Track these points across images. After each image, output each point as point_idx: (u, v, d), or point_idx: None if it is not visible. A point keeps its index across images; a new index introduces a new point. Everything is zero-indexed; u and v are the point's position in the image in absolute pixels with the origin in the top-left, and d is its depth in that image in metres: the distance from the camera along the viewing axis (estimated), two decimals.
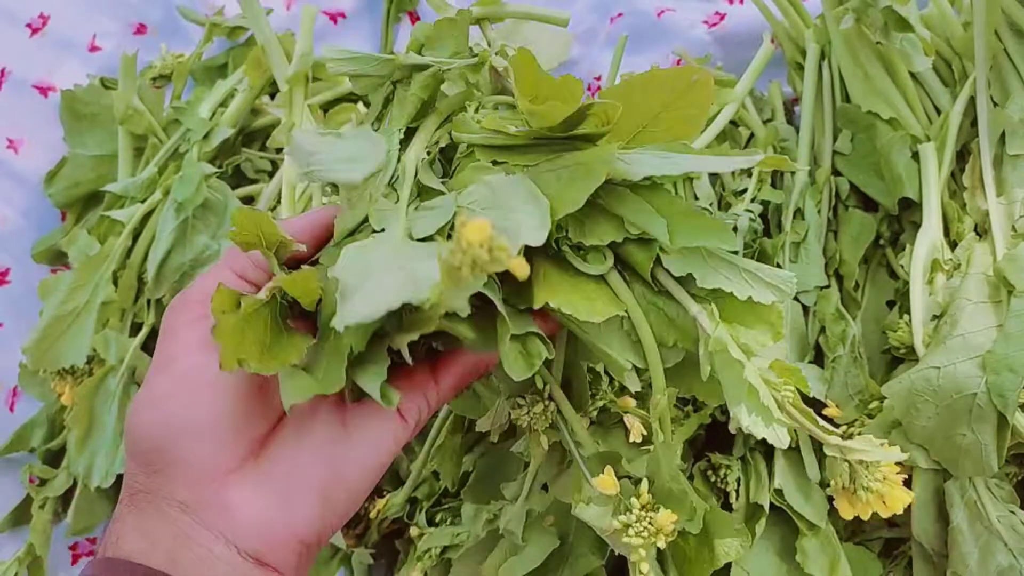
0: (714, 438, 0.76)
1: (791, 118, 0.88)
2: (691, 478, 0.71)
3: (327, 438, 0.46)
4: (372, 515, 0.81)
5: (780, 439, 0.44)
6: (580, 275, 0.46)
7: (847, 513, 0.50)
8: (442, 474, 0.74)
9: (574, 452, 0.53)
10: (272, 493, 0.44)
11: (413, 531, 0.76)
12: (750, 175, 0.81)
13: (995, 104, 0.73)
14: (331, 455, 0.45)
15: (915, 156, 0.75)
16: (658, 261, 0.46)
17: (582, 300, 0.44)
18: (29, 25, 1.01)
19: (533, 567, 0.60)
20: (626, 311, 0.45)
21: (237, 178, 0.93)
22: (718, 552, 0.52)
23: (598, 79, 0.96)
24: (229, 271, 0.47)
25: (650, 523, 0.47)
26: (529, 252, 0.43)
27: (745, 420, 0.43)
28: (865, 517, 0.50)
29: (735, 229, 0.74)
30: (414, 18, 1.02)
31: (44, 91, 1.00)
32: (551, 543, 0.61)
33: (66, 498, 0.88)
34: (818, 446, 0.73)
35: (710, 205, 0.79)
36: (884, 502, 0.49)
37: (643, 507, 0.48)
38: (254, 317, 0.42)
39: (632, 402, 0.69)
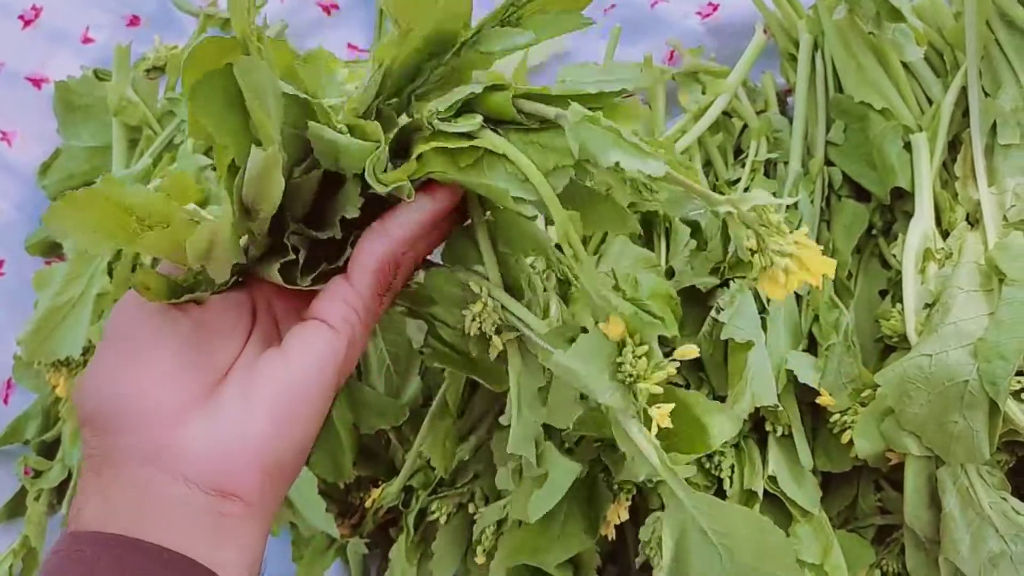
0: None
1: (784, 109, 0.89)
2: None
3: (272, 364, 0.47)
4: (367, 504, 0.82)
5: (656, 168, 0.44)
6: (459, 142, 0.48)
7: (776, 292, 0.47)
8: (433, 460, 0.74)
9: (532, 338, 0.53)
10: (222, 423, 0.45)
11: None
12: (743, 165, 0.82)
13: (986, 94, 0.74)
14: (279, 379, 0.46)
15: (907, 146, 0.75)
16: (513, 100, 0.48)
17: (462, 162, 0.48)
18: (22, 17, 1.01)
19: (561, 496, 0.60)
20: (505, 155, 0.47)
21: None
22: (712, 434, 0.52)
23: None
24: None
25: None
26: (407, 133, 0.48)
27: (615, 158, 0.44)
28: (791, 289, 0.46)
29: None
30: None
31: (37, 83, 1.00)
32: (572, 469, 0.60)
33: (61, 489, 0.89)
34: (811, 433, 0.74)
35: None
36: (807, 268, 0.46)
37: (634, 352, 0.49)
38: None
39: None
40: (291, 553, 0.88)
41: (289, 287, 0.50)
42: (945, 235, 0.72)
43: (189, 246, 0.44)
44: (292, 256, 0.49)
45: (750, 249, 0.47)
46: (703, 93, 0.86)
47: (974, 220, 0.71)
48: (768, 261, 0.46)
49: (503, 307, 0.54)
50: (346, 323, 0.49)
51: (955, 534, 0.64)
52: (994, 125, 0.72)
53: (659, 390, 0.48)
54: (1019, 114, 0.71)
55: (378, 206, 0.49)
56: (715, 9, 0.95)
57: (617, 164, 0.44)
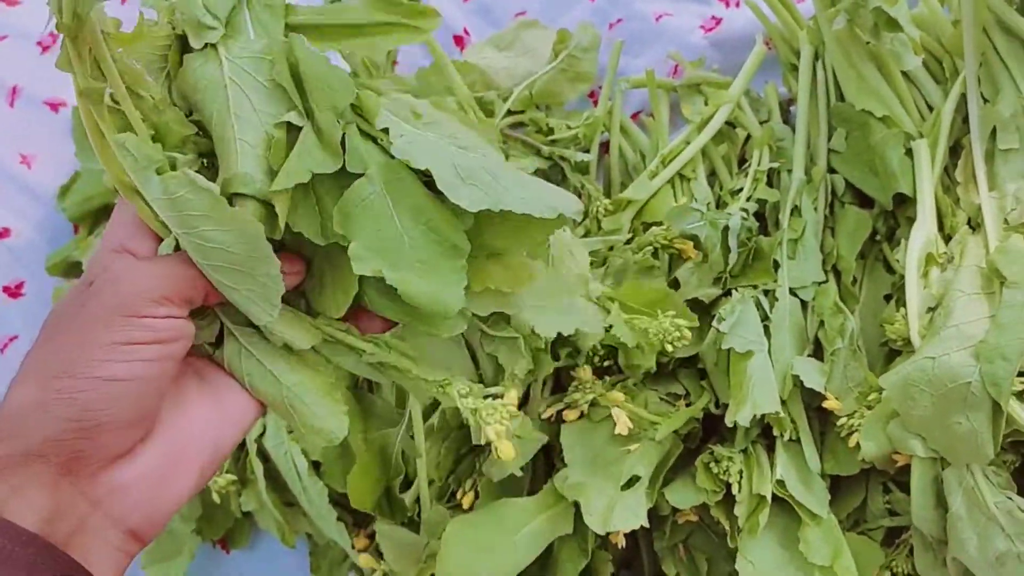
0: (712, 431, 0.77)
1: (787, 118, 0.90)
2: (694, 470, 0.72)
3: (207, 419, 0.49)
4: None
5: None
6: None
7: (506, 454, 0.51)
8: (429, 470, 0.76)
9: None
10: (158, 476, 0.47)
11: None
12: (746, 174, 0.83)
13: (985, 101, 0.75)
14: (212, 434, 0.49)
15: (908, 152, 0.76)
16: None
17: None
18: (40, 43, 1.03)
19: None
20: None
21: None
22: None
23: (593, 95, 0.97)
24: (202, 289, 0.48)
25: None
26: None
27: None
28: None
29: (727, 228, 0.76)
30: None
31: (55, 107, 1.02)
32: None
33: None
34: (819, 437, 0.74)
35: (707, 205, 0.80)
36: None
37: None
38: None
39: (620, 396, 0.70)
40: (309, 564, 0.89)
41: None
42: (947, 239, 0.73)
43: None
44: None
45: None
46: (706, 104, 0.87)
47: (975, 224, 0.72)
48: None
49: None
50: None
51: (962, 534, 0.64)
52: (994, 130, 0.73)
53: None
54: (1018, 119, 0.72)
55: None
56: (718, 23, 0.96)
57: None
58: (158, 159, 0.45)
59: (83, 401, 0.43)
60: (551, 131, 0.89)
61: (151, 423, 0.47)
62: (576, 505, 0.69)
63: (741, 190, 0.82)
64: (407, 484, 0.83)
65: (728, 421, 0.69)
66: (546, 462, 0.77)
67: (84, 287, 0.46)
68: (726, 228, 0.75)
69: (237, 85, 0.46)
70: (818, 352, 0.75)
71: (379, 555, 0.80)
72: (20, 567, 0.41)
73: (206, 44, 0.47)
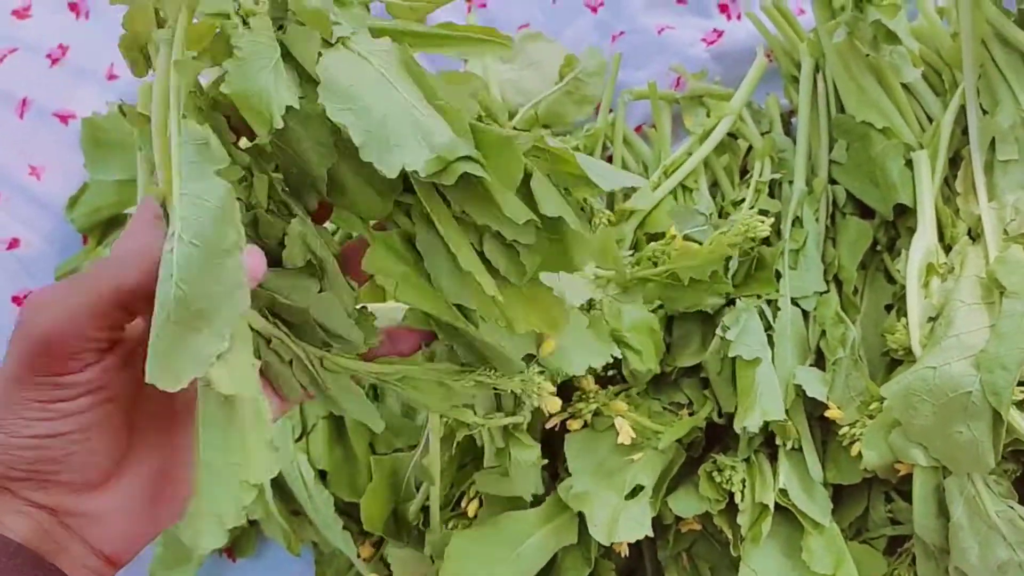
0: (715, 440, 0.78)
1: (788, 129, 0.90)
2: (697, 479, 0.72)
3: (183, 448, 0.46)
4: None
5: None
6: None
7: None
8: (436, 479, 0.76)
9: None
10: (137, 505, 0.45)
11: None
12: (748, 185, 0.84)
13: (985, 112, 0.75)
14: (188, 463, 0.46)
15: (909, 164, 0.77)
16: None
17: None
18: (49, 55, 1.04)
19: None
20: None
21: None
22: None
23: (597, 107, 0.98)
24: (118, 308, 0.42)
25: None
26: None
27: None
28: None
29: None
30: None
31: (64, 119, 1.03)
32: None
33: None
34: (821, 446, 0.75)
35: (709, 215, 0.81)
36: None
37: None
38: None
39: (623, 406, 0.71)
40: (314, 572, 0.90)
41: None
42: (947, 250, 0.73)
43: None
44: None
45: None
46: (708, 116, 0.88)
47: (975, 235, 0.73)
48: None
49: None
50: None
51: (964, 543, 0.65)
52: (993, 142, 0.74)
53: None
54: (1017, 131, 0.73)
55: None
56: (720, 35, 0.97)
57: None
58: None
59: (27, 456, 0.42)
60: None
61: (117, 453, 0.45)
62: (580, 515, 0.69)
63: (743, 201, 0.83)
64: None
65: (736, 427, 0.70)
66: (550, 471, 0.77)
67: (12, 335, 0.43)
68: None
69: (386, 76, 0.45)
70: (820, 362, 0.76)
71: (386, 567, 0.81)
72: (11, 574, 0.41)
73: (339, 38, 0.45)
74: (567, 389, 0.74)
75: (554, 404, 0.58)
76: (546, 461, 0.71)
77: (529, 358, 0.55)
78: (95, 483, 0.44)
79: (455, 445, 0.76)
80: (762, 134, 0.89)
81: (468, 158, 0.43)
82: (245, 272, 0.40)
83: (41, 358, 0.41)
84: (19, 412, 0.42)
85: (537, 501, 0.72)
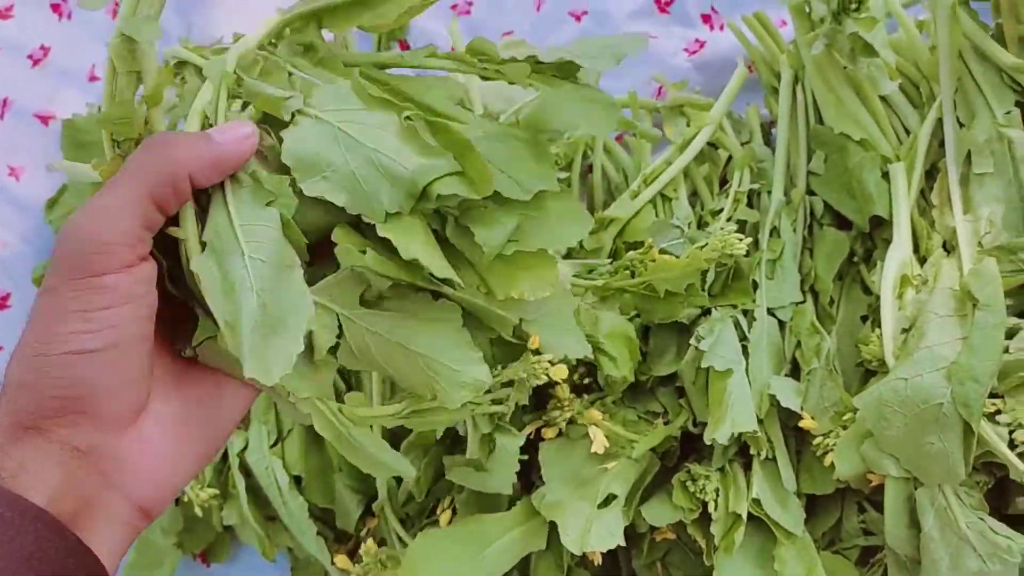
0: (690, 449, 0.78)
1: (768, 140, 0.91)
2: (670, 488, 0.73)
3: (207, 397, 0.49)
4: (363, 533, 0.83)
5: None
6: None
7: None
8: (410, 485, 0.76)
9: None
10: (161, 449, 0.46)
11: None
12: (727, 195, 0.84)
13: (961, 125, 0.76)
14: (210, 413, 0.49)
15: (885, 175, 0.77)
16: None
17: None
18: (30, 56, 1.04)
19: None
20: None
21: None
22: None
23: None
24: (149, 201, 0.44)
25: None
26: None
27: None
28: None
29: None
30: (403, 46, 1.05)
31: (45, 120, 1.03)
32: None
33: None
34: (795, 456, 0.75)
35: (688, 224, 0.81)
36: None
37: None
38: None
39: (598, 415, 0.71)
40: None
41: None
42: (923, 261, 0.74)
43: None
44: None
45: None
46: (688, 125, 0.88)
47: (950, 247, 0.73)
48: None
49: None
50: None
51: (935, 554, 0.65)
52: (969, 155, 0.74)
53: None
54: (992, 144, 0.73)
55: None
56: (702, 45, 0.97)
57: None
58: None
59: (63, 378, 0.43)
60: None
61: (146, 387, 0.46)
62: (550, 522, 0.69)
63: (722, 210, 0.83)
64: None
65: (707, 439, 0.70)
66: (524, 480, 0.77)
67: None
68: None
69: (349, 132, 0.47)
70: (795, 372, 0.76)
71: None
72: (28, 541, 0.40)
73: (293, 113, 0.47)
74: (542, 397, 0.74)
75: (561, 371, 0.59)
76: (519, 468, 0.71)
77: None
78: (125, 419, 0.45)
79: (430, 451, 0.76)
80: (742, 144, 0.89)
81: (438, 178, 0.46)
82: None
83: (79, 257, 0.42)
84: (56, 327, 0.42)
85: (508, 508, 0.72)
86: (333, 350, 0.49)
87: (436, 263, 0.46)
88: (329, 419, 0.50)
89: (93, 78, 1.05)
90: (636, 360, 0.73)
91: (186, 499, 0.83)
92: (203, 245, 0.45)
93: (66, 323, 0.42)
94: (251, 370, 0.43)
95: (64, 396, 0.43)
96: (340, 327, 0.48)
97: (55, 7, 1.05)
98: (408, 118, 0.46)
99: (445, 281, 0.48)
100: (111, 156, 0.48)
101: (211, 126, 0.47)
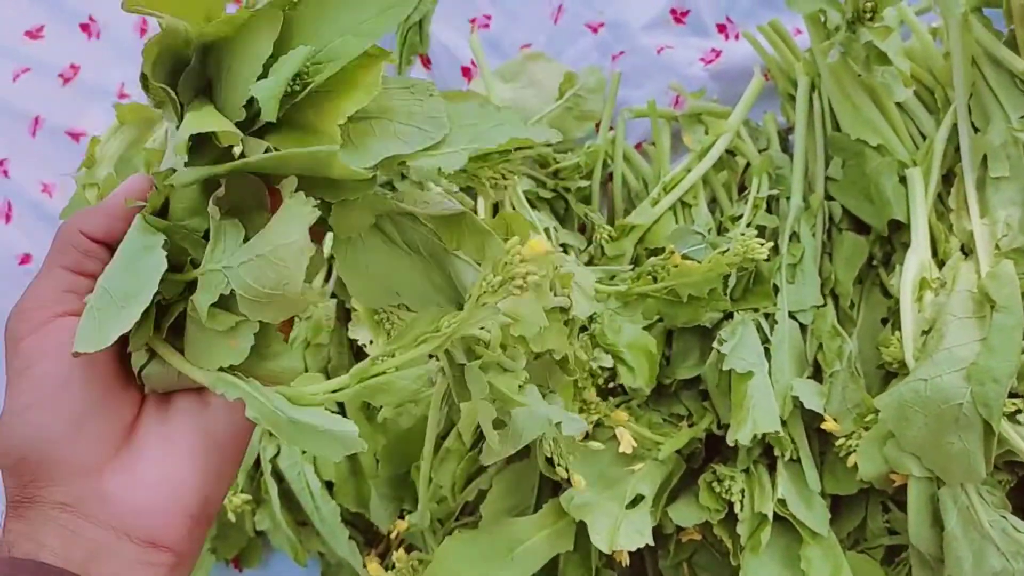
0: (715, 451, 0.79)
1: (785, 146, 0.92)
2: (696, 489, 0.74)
3: (189, 409, 0.47)
4: (392, 535, 0.84)
5: None
6: None
7: None
8: (444, 489, 0.78)
9: None
10: (149, 475, 0.45)
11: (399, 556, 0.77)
12: (746, 201, 0.85)
13: (976, 130, 0.77)
14: (197, 423, 0.47)
15: (903, 180, 0.78)
16: None
17: None
18: (61, 75, 1.06)
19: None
20: None
21: None
22: None
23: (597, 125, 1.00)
24: (60, 269, 0.47)
25: None
26: None
27: None
28: None
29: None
30: (425, 60, 1.07)
31: (76, 137, 1.05)
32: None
33: None
34: (819, 457, 0.76)
35: (708, 231, 0.83)
36: None
37: None
38: None
39: (625, 416, 0.72)
40: None
41: None
42: (941, 264, 0.75)
43: None
44: None
45: None
46: (706, 133, 0.90)
47: (968, 250, 0.74)
48: None
49: None
50: None
51: (958, 552, 0.66)
52: (985, 159, 0.76)
53: None
54: (1008, 148, 0.74)
55: None
56: (718, 55, 0.99)
57: None
58: None
59: (12, 442, 0.44)
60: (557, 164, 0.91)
61: (101, 425, 0.45)
62: (578, 523, 0.71)
63: (741, 216, 0.84)
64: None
65: (729, 440, 0.71)
66: (551, 482, 0.78)
67: None
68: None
69: None
70: (817, 374, 0.77)
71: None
72: None
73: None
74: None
75: (537, 245, 0.54)
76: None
77: None
78: (93, 460, 0.44)
79: (464, 456, 0.77)
80: (759, 151, 0.91)
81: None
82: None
83: (9, 329, 0.45)
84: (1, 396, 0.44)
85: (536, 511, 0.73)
86: None
87: None
88: (260, 401, 0.44)
89: (122, 95, 1.07)
90: (655, 371, 0.75)
91: None
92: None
93: (6, 387, 0.44)
94: (79, 343, 0.43)
95: (21, 459, 0.44)
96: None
97: (84, 27, 1.08)
98: None
99: None
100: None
101: None
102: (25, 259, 1.02)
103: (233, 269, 0.44)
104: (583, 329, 0.75)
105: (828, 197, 0.85)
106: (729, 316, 0.77)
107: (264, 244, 0.43)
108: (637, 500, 0.72)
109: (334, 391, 0.47)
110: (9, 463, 0.44)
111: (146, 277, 0.43)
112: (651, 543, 0.70)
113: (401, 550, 0.78)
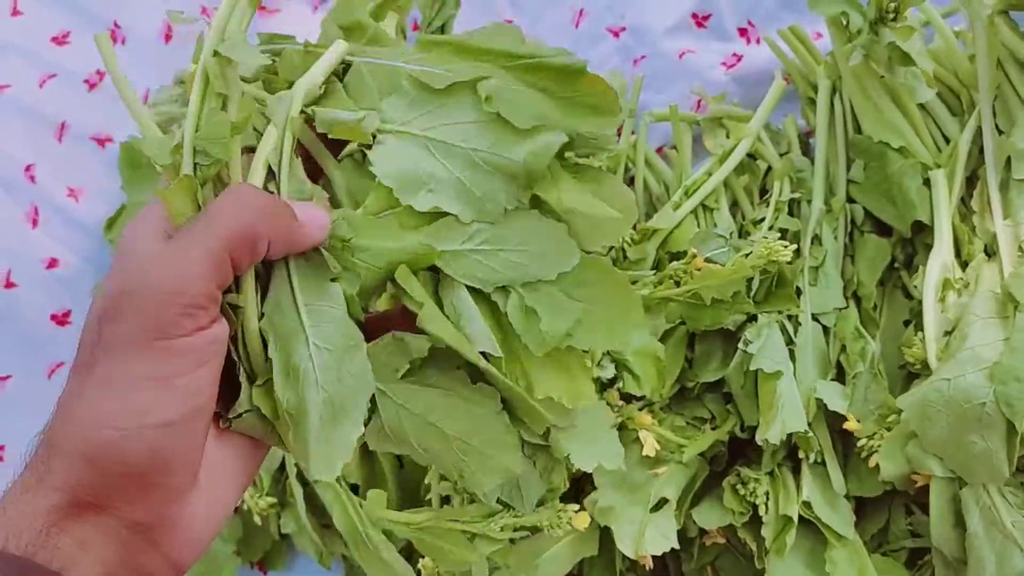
0: (738, 454, 0.79)
1: (806, 150, 0.92)
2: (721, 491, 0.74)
3: (244, 447, 0.45)
4: None
5: None
6: None
7: None
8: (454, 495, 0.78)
9: None
10: (202, 508, 0.43)
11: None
12: (768, 204, 0.86)
13: (1001, 132, 0.77)
14: (247, 467, 0.45)
15: (926, 182, 0.79)
16: None
17: None
18: (87, 81, 1.08)
19: None
20: None
21: None
22: None
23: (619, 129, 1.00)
24: (228, 260, 0.40)
25: None
26: None
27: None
28: None
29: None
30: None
31: (102, 143, 1.06)
32: None
33: None
34: (843, 459, 0.76)
35: (730, 234, 0.83)
36: None
37: None
38: None
39: (648, 419, 0.72)
40: None
41: None
42: (964, 266, 0.75)
43: None
44: None
45: None
46: (727, 137, 0.90)
47: (991, 251, 0.74)
48: None
49: None
50: None
51: (980, 553, 0.66)
52: (1008, 161, 0.76)
53: None
54: None
55: None
56: (739, 59, 0.99)
57: None
58: None
59: (138, 452, 0.39)
60: None
61: (198, 460, 0.42)
62: (602, 528, 0.71)
63: (763, 220, 0.85)
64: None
65: (759, 439, 0.72)
66: (574, 487, 0.79)
67: (103, 307, 0.40)
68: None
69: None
70: (840, 376, 0.78)
71: None
72: None
73: (375, 134, 0.45)
74: None
75: (583, 519, 0.60)
76: None
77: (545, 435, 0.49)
78: (189, 487, 0.41)
79: None
80: (781, 155, 0.91)
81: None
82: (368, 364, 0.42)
83: (151, 317, 0.38)
84: (128, 396, 0.38)
85: None
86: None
87: (489, 342, 0.44)
88: (349, 513, 0.46)
89: (147, 101, 1.08)
90: (664, 378, 0.75)
91: (246, 508, 0.86)
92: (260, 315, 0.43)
93: (139, 391, 0.39)
94: (317, 471, 0.41)
95: (137, 471, 0.39)
96: (372, 403, 0.44)
97: (109, 33, 1.09)
98: (488, 98, 0.44)
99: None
100: (176, 178, 0.43)
101: (274, 175, 0.45)
102: (52, 263, 1.03)
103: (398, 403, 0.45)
104: None
105: (850, 200, 0.85)
106: (752, 319, 0.77)
107: (455, 425, 0.44)
108: (661, 504, 0.72)
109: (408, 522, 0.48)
110: (126, 471, 0.39)
111: (361, 378, 0.42)
112: (676, 547, 0.70)
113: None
